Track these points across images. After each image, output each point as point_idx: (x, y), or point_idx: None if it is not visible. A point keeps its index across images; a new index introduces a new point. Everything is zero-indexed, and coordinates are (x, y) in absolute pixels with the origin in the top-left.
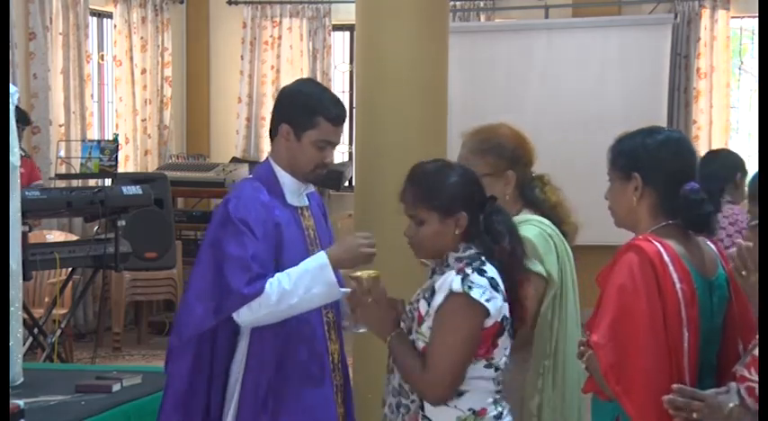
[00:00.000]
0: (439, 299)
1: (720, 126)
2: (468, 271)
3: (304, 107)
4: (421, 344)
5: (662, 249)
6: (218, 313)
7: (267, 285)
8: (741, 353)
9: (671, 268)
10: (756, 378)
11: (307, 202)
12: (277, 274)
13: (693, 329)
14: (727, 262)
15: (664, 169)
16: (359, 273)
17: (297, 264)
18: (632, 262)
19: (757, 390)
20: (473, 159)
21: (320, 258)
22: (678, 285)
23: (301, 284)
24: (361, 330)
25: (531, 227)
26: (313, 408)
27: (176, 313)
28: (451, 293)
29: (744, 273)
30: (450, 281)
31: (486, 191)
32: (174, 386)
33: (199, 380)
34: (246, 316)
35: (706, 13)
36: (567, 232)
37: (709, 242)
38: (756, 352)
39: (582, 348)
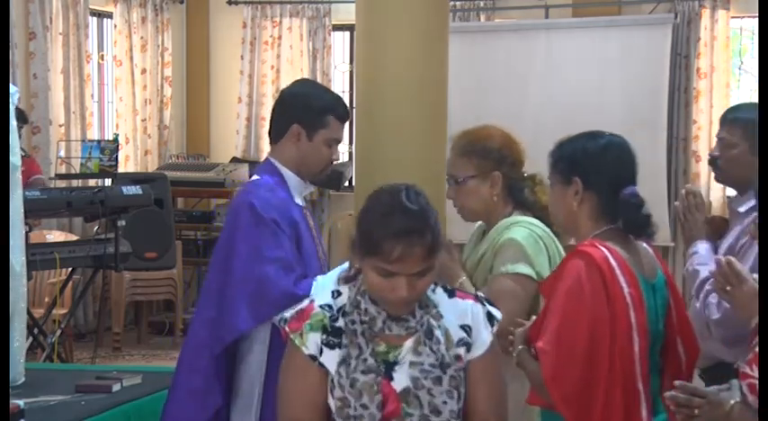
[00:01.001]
0: (485, 337)
1: None
2: (481, 295)
3: (315, 107)
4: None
5: (608, 254)
6: (261, 315)
7: (313, 287)
8: (681, 354)
9: (618, 273)
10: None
11: (304, 203)
12: (318, 277)
13: (643, 333)
14: (664, 264)
15: (604, 173)
16: None
17: (311, 263)
18: (580, 268)
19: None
20: (459, 161)
21: None
22: (626, 290)
23: None
24: None
25: (521, 228)
26: None
27: (213, 317)
28: (497, 322)
29: (728, 288)
30: (481, 315)
31: (473, 192)
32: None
33: (216, 384)
34: None
35: (706, 13)
36: (560, 233)
37: (645, 245)
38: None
39: (511, 338)
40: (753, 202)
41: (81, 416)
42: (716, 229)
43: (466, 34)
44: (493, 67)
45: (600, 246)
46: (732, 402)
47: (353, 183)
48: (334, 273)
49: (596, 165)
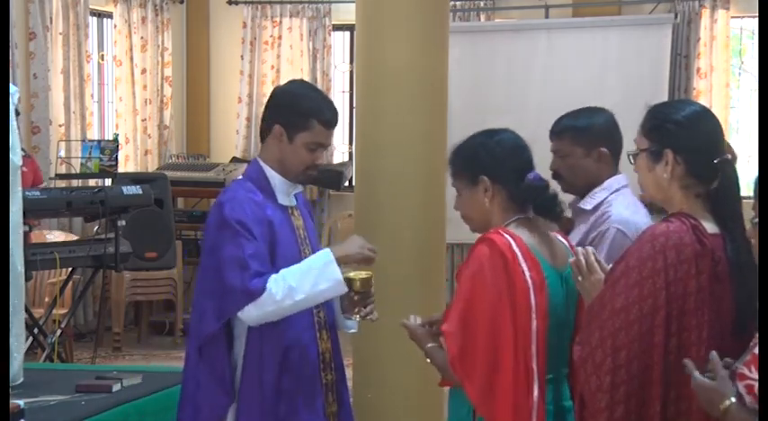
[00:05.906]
0: None
1: None
2: None
3: (299, 109)
4: None
5: (511, 240)
6: (222, 314)
7: (270, 282)
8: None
9: (520, 258)
10: (756, 376)
11: (295, 202)
12: (281, 271)
13: (541, 316)
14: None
15: (506, 165)
16: (351, 274)
17: (289, 263)
18: (483, 254)
19: (756, 388)
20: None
21: (325, 255)
22: (528, 273)
23: (307, 281)
24: (352, 330)
25: None
26: (303, 406)
27: (190, 319)
28: None
29: (580, 278)
30: None
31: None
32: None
33: (212, 381)
34: (253, 312)
35: (706, 13)
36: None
37: (560, 237)
38: (757, 350)
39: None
40: (599, 198)
41: (81, 416)
42: (563, 228)
43: (466, 34)
44: (493, 67)
45: (504, 234)
46: (728, 402)
47: (353, 183)
48: (299, 267)
49: (496, 159)
